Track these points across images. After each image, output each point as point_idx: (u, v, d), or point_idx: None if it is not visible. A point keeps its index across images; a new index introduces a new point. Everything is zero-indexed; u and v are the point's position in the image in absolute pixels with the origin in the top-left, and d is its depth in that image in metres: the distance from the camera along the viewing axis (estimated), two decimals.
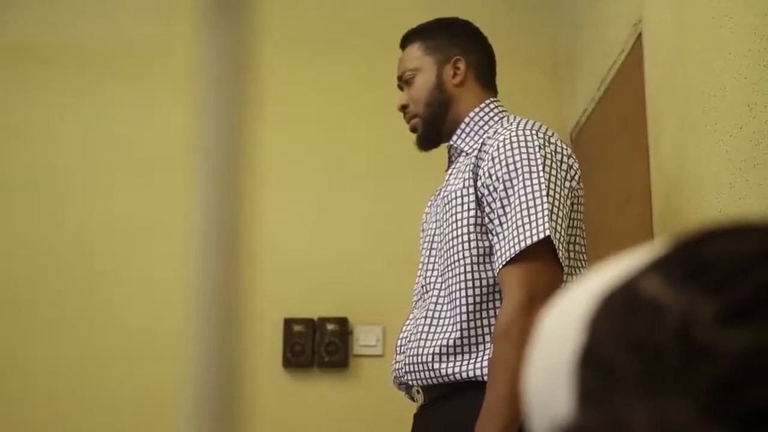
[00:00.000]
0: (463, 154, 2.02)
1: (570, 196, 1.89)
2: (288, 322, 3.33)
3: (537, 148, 1.87)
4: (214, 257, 0.64)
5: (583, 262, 1.93)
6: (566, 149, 1.94)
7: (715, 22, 1.77)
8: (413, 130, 2.12)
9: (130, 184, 3.48)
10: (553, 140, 1.92)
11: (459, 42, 2.11)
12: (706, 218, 1.82)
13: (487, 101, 2.06)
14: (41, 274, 3.41)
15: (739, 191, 1.65)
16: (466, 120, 2.04)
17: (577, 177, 1.93)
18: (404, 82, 2.12)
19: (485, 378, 1.80)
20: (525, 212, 1.81)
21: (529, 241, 1.78)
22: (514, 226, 1.81)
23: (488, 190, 1.88)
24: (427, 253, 2.04)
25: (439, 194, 2.15)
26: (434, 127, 2.08)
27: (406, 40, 2.15)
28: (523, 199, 1.82)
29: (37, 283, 3.40)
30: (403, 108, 2.12)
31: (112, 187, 3.48)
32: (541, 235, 1.78)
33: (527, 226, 1.80)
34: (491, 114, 2.04)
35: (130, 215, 3.43)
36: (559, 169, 1.88)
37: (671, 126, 2.10)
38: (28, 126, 3.54)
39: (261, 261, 3.18)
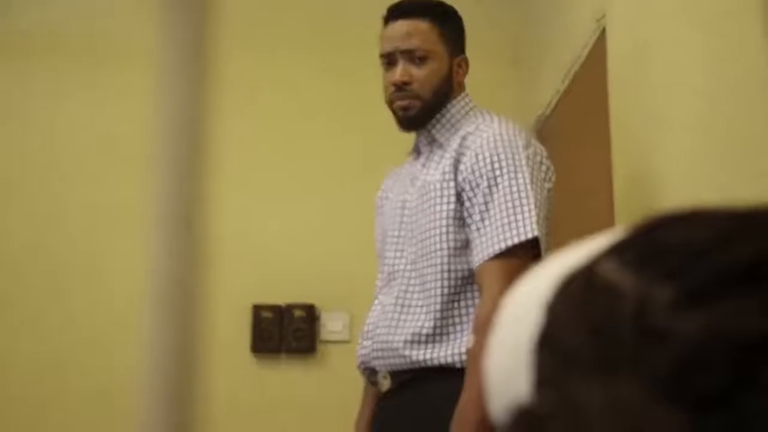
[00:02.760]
0: (436, 144, 2.03)
1: (548, 197, 1.92)
2: (256, 308, 3.34)
3: (521, 148, 1.89)
4: (173, 246, 0.63)
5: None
6: (544, 151, 1.98)
7: (677, 17, 1.79)
8: (406, 108, 2.01)
9: (112, 174, 3.47)
10: (533, 142, 1.96)
11: (463, 40, 2.11)
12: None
13: (462, 95, 2.08)
14: (18, 266, 3.40)
15: (699, 185, 1.67)
16: (442, 111, 2.04)
17: (552, 179, 1.97)
18: (413, 57, 2.00)
19: (456, 365, 1.82)
20: (510, 210, 1.83)
21: (516, 240, 1.81)
22: (499, 223, 1.83)
23: (470, 185, 1.89)
24: (394, 240, 2.04)
25: (397, 179, 2.14)
26: (429, 114, 2.03)
27: (414, 13, 2.03)
28: (508, 197, 1.84)
29: (11, 277, 3.39)
30: (405, 84, 2.01)
31: (96, 177, 3.48)
32: (530, 235, 1.81)
33: (513, 225, 1.82)
34: (467, 108, 2.05)
35: (111, 204, 3.44)
36: (539, 170, 1.91)
37: (633, 120, 2.11)
38: (10, 117, 3.51)
39: (230, 248, 3.19)
